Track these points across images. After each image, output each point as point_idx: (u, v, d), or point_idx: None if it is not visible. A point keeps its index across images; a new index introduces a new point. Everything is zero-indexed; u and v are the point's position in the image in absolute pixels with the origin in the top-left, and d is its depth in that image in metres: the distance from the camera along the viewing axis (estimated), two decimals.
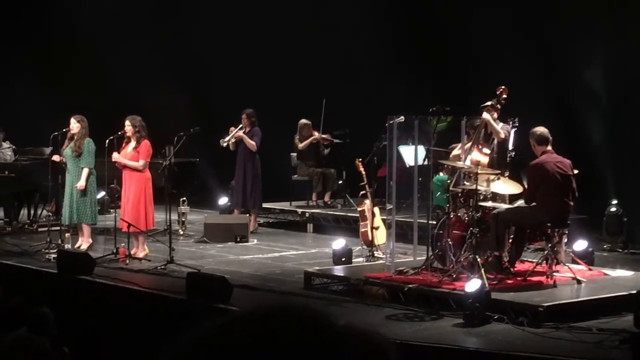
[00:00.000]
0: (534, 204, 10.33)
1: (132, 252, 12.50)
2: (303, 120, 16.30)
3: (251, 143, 15.05)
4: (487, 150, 11.11)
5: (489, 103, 11.19)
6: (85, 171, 12.92)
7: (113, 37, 19.30)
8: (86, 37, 19.37)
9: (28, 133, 16.39)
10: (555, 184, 10.17)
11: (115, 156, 12.65)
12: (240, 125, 15.16)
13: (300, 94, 17.86)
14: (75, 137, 12.97)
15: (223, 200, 16.61)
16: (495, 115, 11.20)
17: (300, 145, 16.27)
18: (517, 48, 15.71)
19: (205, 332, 1.38)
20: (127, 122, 12.69)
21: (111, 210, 14.22)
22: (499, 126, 11.13)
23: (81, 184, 12.87)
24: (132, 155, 12.68)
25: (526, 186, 10.54)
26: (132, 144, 12.68)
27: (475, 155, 11.05)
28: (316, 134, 16.23)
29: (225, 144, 15.13)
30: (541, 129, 10.46)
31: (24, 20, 19.43)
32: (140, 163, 12.59)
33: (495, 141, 11.15)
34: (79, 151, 12.92)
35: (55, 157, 13.55)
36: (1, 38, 19.14)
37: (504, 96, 11.13)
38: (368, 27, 17.46)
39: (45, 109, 16.64)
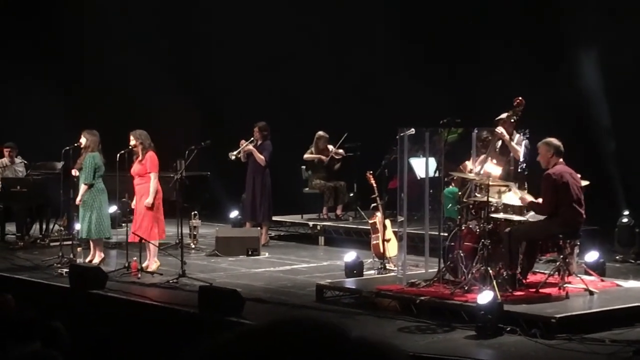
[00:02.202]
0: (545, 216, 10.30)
1: (144, 265, 12.52)
2: (320, 132, 16.29)
3: (260, 157, 15.07)
4: (499, 163, 11.07)
5: (504, 115, 11.13)
6: (82, 187, 12.94)
7: (124, 51, 19.37)
8: (98, 52, 19.47)
9: (40, 148, 16.44)
10: (573, 194, 10.15)
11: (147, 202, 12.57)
12: (252, 139, 15.18)
13: (312, 106, 17.89)
14: (82, 152, 13.05)
15: (234, 214, 16.62)
16: (511, 129, 11.10)
17: (306, 156, 16.27)
18: (527, 58, 15.73)
19: (220, 344, 1.38)
20: (131, 137, 12.72)
21: (123, 225, 14.23)
22: (516, 138, 11.09)
23: (77, 199, 12.95)
24: (138, 169, 12.69)
25: (543, 197, 10.39)
26: (140, 157, 12.70)
27: (488, 167, 11.02)
28: (331, 147, 16.22)
29: (233, 157, 15.14)
30: (556, 140, 10.41)
31: (36, 37, 19.49)
32: (151, 179, 12.57)
33: (512, 154, 11.11)
34: (80, 166, 12.98)
35: (73, 172, 13.54)
36: (14, 53, 19.22)
37: (521, 107, 11.05)
38: (378, 39, 17.50)
39: (57, 124, 16.69)
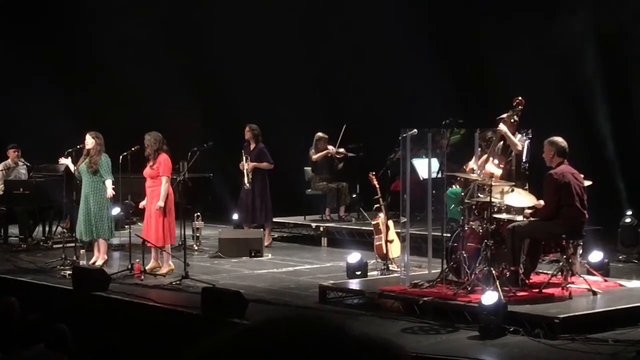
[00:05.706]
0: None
1: (148, 267, 12.52)
2: (319, 134, 16.30)
3: (265, 165, 15.08)
4: (500, 163, 11.05)
5: (504, 115, 11.11)
6: (109, 182, 12.96)
7: (128, 52, 19.38)
8: (102, 56, 19.46)
9: (42, 149, 16.45)
10: (575, 194, 10.14)
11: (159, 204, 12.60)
12: (245, 156, 15.06)
13: (314, 107, 17.89)
14: (91, 154, 13.01)
15: (237, 216, 16.62)
16: (512, 129, 11.06)
17: (314, 157, 16.26)
18: (530, 58, 15.72)
19: (219, 343, 1.38)
20: (145, 139, 12.72)
21: (126, 227, 14.24)
22: (517, 138, 11.06)
23: (110, 193, 12.96)
24: (150, 172, 12.69)
25: (545, 197, 10.38)
26: (151, 161, 12.70)
27: (489, 167, 11.01)
28: (331, 148, 16.22)
29: (249, 184, 15.07)
30: (562, 140, 10.39)
31: (42, 39, 19.50)
32: (163, 183, 12.56)
33: (513, 153, 11.06)
34: (95, 167, 12.94)
35: (69, 165, 13.40)
36: (19, 55, 19.22)
37: (520, 107, 11.02)
38: (382, 40, 17.48)
39: (60, 126, 16.70)
